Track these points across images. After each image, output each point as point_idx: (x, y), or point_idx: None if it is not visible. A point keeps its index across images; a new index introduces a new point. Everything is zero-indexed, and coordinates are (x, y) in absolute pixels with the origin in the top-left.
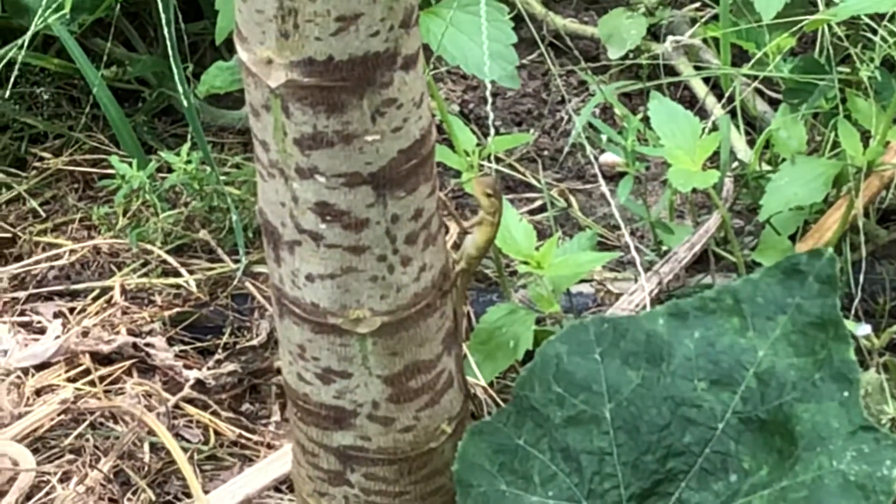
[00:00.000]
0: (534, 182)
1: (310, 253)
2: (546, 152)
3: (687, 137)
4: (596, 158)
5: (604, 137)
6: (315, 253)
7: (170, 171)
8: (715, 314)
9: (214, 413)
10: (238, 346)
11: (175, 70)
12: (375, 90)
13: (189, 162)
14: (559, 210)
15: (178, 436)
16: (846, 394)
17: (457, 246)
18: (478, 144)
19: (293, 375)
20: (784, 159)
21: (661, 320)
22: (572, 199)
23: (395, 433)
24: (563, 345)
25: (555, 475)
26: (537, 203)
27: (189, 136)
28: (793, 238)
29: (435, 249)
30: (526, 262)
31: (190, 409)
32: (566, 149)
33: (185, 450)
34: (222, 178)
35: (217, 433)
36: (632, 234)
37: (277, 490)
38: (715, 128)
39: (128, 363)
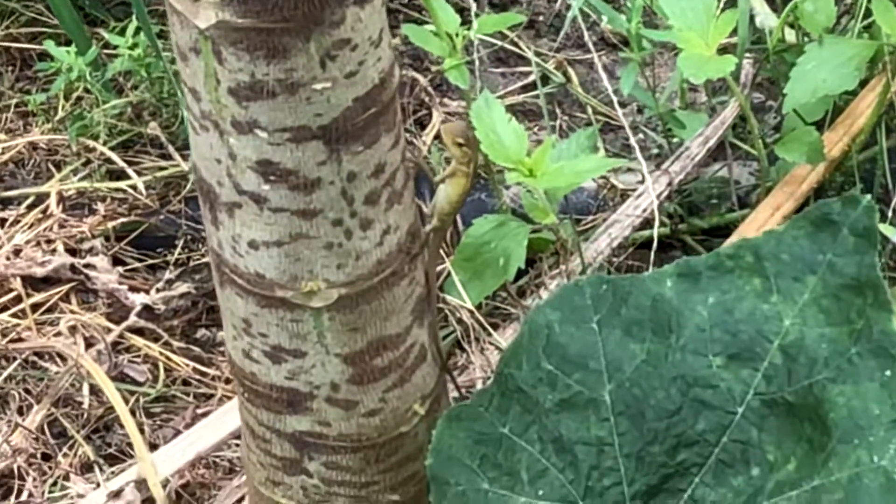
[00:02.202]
0: (528, 54)
1: (252, 217)
2: (542, 17)
3: (699, 16)
4: (598, 24)
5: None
6: (258, 217)
7: (116, 48)
8: (732, 274)
9: (165, 344)
10: (192, 262)
11: None
12: (324, 31)
13: (135, 46)
14: (557, 86)
15: (122, 375)
16: (888, 373)
17: (438, 137)
18: (464, 23)
19: (238, 352)
20: (810, 39)
21: (670, 282)
22: (571, 72)
23: (358, 417)
24: (554, 311)
25: (546, 470)
26: (532, 77)
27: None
28: (820, 125)
29: (401, 208)
30: (516, 170)
31: (137, 340)
32: (568, 17)
33: (130, 393)
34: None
35: (167, 369)
36: (639, 111)
37: (237, 438)
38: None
39: (65, 287)
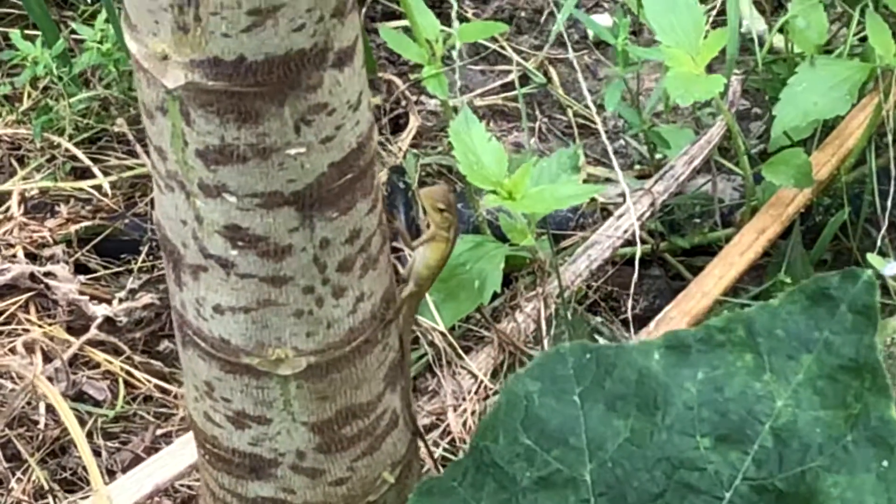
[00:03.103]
0: (508, 52)
1: (218, 281)
2: (524, 13)
3: (688, 33)
4: (580, 22)
5: None
6: (224, 282)
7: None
8: (723, 349)
9: (126, 358)
10: (156, 270)
11: None
12: (300, 95)
13: (104, 40)
14: (537, 87)
15: (81, 395)
16: (885, 464)
17: (414, 145)
18: (442, 17)
19: (199, 413)
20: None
21: (657, 355)
22: (553, 71)
23: (325, 486)
24: (534, 382)
25: None
26: (512, 76)
27: None
28: (808, 141)
29: (376, 274)
30: (495, 192)
31: (97, 354)
32: (553, 31)
33: (89, 414)
34: None
35: (128, 384)
36: (621, 115)
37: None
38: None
39: (24, 297)
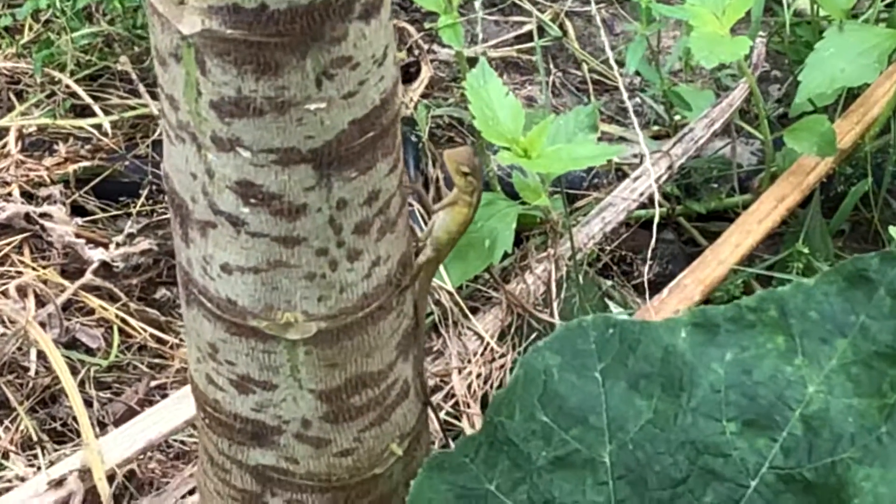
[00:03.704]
0: (525, 4)
1: (227, 239)
2: None
3: None
4: None
5: None
6: (234, 240)
7: None
8: (753, 329)
9: (123, 306)
10: (156, 216)
11: None
12: (323, 47)
13: None
14: (552, 39)
15: (74, 342)
16: None
17: (426, 95)
18: None
19: (201, 375)
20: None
21: (684, 332)
22: (569, 24)
23: (329, 457)
24: (554, 355)
25: None
26: (527, 27)
27: None
28: (832, 110)
29: (393, 237)
30: (509, 149)
31: (92, 300)
32: None
33: (81, 362)
34: None
35: (123, 333)
36: (636, 72)
37: (191, 426)
38: None
39: (18, 238)
